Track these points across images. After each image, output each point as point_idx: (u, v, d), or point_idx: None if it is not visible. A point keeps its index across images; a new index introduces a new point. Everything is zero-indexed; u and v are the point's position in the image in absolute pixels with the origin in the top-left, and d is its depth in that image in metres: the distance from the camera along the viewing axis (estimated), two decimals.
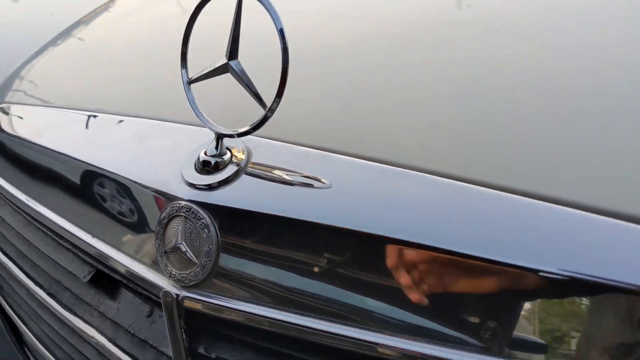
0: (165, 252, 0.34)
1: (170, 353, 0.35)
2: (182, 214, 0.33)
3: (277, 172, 0.33)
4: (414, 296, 0.28)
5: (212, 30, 0.36)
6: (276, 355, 0.33)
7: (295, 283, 0.31)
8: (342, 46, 0.46)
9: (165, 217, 0.33)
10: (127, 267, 0.37)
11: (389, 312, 0.29)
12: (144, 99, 0.45)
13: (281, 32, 0.30)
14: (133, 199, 0.36)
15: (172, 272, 0.33)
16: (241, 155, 0.34)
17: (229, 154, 0.34)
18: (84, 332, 0.43)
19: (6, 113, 0.52)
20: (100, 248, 0.39)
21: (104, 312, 0.42)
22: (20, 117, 0.50)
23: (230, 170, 0.33)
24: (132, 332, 0.39)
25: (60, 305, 0.46)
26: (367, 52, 0.44)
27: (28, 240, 0.48)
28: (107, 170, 0.38)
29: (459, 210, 0.29)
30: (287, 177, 0.32)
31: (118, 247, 0.38)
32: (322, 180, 0.31)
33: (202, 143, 0.35)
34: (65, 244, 0.44)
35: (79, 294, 0.44)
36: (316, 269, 0.31)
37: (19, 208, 0.47)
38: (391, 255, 0.29)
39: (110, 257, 0.38)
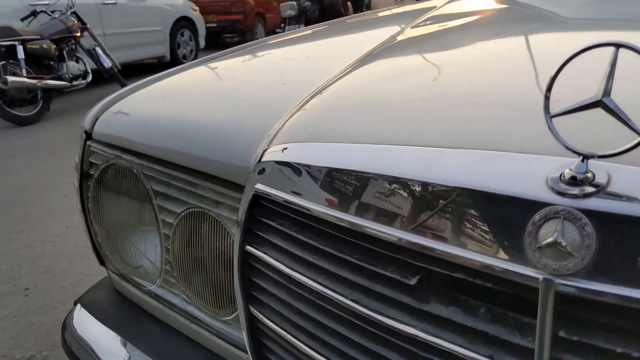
0: (538, 247, 0.41)
1: (527, 344, 0.43)
2: (561, 216, 0.40)
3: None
4: None
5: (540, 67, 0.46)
6: None
7: None
8: None
9: (540, 218, 0.41)
10: (487, 263, 0.44)
11: None
12: (472, 131, 0.54)
13: None
14: (493, 210, 0.45)
15: (547, 264, 0.41)
16: (603, 176, 0.42)
17: (591, 173, 0.42)
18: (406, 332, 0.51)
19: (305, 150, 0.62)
20: (448, 250, 0.47)
21: (430, 311, 0.49)
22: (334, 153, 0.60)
23: (595, 185, 0.41)
24: (475, 327, 0.46)
25: (367, 309, 0.53)
26: None
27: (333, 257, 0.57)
28: (461, 188, 0.47)
29: None
30: None
31: (466, 248, 0.46)
32: None
33: (556, 166, 0.44)
34: (392, 254, 0.52)
35: (394, 297, 0.52)
36: None
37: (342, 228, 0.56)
38: None
39: (461, 257, 0.46)
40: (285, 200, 0.61)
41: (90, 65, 6.13)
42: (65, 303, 2.22)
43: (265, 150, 0.69)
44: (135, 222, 0.90)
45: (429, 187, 0.49)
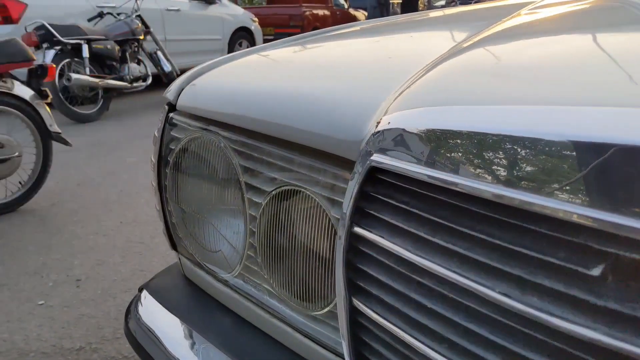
0: None
1: None
2: None
3: None
4: None
5: None
6: None
7: None
8: None
9: None
10: None
11: None
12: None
13: None
14: None
15: None
16: None
17: None
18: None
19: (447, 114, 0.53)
20: None
21: (617, 309, 0.39)
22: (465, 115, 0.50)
23: None
24: None
25: (524, 304, 0.43)
26: None
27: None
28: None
29: None
30: None
31: None
32: None
33: None
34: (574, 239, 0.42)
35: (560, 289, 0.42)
36: None
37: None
38: None
39: None
40: (416, 172, 0.51)
41: (150, 68, 6.22)
42: (116, 297, 2.17)
43: (382, 118, 0.60)
44: (218, 202, 0.82)
45: (612, 149, 0.39)
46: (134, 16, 6.09)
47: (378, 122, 0.61)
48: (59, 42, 5.19)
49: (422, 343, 0.52)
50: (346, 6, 12.53)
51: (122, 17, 6.08)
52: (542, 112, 0.46)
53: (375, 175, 0.58)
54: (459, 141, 0.49)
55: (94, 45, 5.47)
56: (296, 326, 0.75)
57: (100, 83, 5.43)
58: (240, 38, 8.67)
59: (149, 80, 6.08)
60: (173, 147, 0.87)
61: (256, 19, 9.11)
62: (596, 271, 0.40)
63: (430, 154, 0.51)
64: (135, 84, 5.87)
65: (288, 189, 0.71)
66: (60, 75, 5.23)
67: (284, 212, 0.73)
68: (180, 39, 7.48)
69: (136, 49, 6.09)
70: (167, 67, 6.25)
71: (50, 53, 5.16)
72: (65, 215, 3.02)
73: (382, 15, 12.07)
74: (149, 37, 6.31)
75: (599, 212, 0.39)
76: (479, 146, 0.47)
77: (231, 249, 0.81)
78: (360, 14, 13.05)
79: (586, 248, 0.41)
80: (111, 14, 6.06)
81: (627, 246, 0.39)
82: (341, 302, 0.61)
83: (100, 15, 5.98)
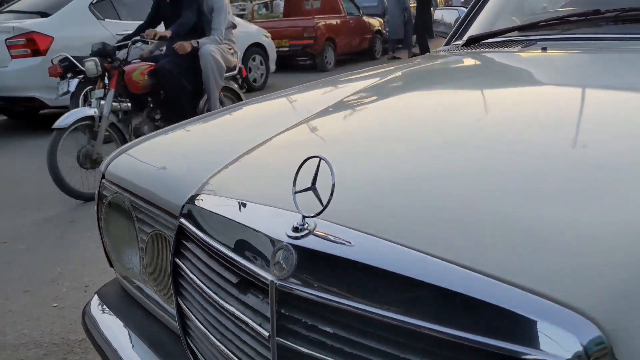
0: (274, 263, 0.77)
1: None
2: (283, 248, 0.76)
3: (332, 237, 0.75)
4: None
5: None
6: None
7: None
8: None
9: (277, 248, 0.77)
10: (252, 272, 0.80)
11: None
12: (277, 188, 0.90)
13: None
14: (258, 241, 0.81)
15: (274, 272, 0.76)
16: (313, 226, 0.77)
17: (307, 224, 0.77)
18: (231, 312, 0.87)
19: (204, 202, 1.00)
20: (243, 263, 0.83)
21: (241, 299, 0.85)
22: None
23: (309, 230, 0.76)
24: (256, 308, 0.82)
25: (219, 298, 0.90)
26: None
27: (211, 269, 0.94)
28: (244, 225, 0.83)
29: None
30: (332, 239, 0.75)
31: (252, 262, 0.82)
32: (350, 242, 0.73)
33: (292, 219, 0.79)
34: (230, 266, 0.89)
35: (230, 291, 0.88)
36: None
37: (214, 253, 0.93)
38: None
39: (247, 268, 0.82)
40: (196, 235, 0.98)
41: None
42: None
43: (193, 195, 1.07)
44: (126, 237, 1.31)
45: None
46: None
47: (191, 197, 1.08)
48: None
49: (204, 326, 0.99)
50: (360, 14, 12.91)
51: (139, 45, 6.64)
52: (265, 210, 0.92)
53: (183, 230, 1.05)
54: (216, 221, 0.96)
55: None
56: (173, 314, 1.22)
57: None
58: (254, 53, 9.20)
59: None
60: (104, 201, 1.37)
61: (269, 35, 9.63)
62: (236, 280, 0.86)
63: (207, 225, 0.98)
64: None
65: (157, 233, 1.19)
66: (84, 100, 5.82)
67: (156, 247, 1.20)
68: None
69: None
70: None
71: (74, 82, 5.75)
72: (81, 231, 3.56)
73: (405, 20, 12.36)
74: None
75: (245, 261, 0.86)
76: (228, 228, 0.94)
77: (135, 267, 1.30)
78: (376, 21, 13.41)
79: (241, 276, 0.88)
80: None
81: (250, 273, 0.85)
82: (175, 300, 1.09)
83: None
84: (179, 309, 1.07)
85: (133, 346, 1.26)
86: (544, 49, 1.58)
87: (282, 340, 0.77)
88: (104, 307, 1.40)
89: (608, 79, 1.36)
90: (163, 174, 1.21)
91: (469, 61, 1.82)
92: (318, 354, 0.73)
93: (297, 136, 1.23)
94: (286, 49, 11.16)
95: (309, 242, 0.76)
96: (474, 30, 2.08)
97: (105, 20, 7.17)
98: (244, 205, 0.91)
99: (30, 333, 2.46)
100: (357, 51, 12.79)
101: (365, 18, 13.05)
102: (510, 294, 0.61)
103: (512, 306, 0.61)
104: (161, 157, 1.31)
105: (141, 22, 7.11)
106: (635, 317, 0.58)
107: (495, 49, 1.81)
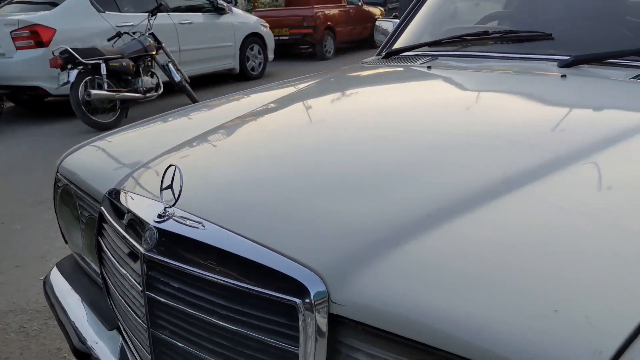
0: (144, 239, 1.09)
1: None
2: (149, 229, 1.08)
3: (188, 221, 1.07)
4: None
5: None
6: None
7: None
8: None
9: (146, 229, 1.09)
10: (133, 246, 1.12)
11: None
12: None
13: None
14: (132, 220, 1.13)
15: (144, 246, 1.09)
16: (173, 211, 1.09)
17: (168, 212, 1.09)
18: (124, 275, 1.20)
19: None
20: (128, 239, 1.16)
21: (131, 266, 1.18)
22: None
23: (169, 216, 1.08)
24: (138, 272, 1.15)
25: (120, 265, 1.23)
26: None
27: (116, 244, 1.27)
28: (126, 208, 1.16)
29: None
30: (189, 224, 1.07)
31: (133, 238, 1.14)
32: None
33: (159, 207, 1.11)
34: (124, 242, 1.21)
35: (125, 260, 1.21)
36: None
37: (117, 233, 1.26)
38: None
39: (130, 242, 1.14)
40: (108, 219, 1.31)
41: (163, 79, 7.12)
42: None
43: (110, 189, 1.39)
44: (73, 221, 1.64)
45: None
46: (147, 34, 6.99)
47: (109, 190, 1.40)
48: (80, 63, 6.14)
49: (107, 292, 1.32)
50: (360, 3, 13.13)
51: (137, 35, 6.98)
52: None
53: (102, 215, 1.37)
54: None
55: (110, 64, 6.40)
56: None
57: (116, 96, 6.38)
58: (252, 43, 9.50)
59: (160, 91, 6.99)
60: (58, 190, 1.70)
61: (267, 25, 9.91)
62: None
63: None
64: (148, 95, 6.80)
65: (91, 217, 1.52)
66: (84, 89, 6.18)
67: (91, 227, 1.54)
68: (193, 48, 8.38)
69: (149, 63, 7.00)
70: (177, 77, 7.14)
71: (74, 73, 6.13)
72: None
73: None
74: (161, 51, 7.20)
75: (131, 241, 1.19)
76: (123, 213, 1.27)
77: (80, 244, 1.63)
78: (377, 10, 13.62)
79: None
80: (128, 33, 6.97)
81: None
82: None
83: (118, 35, 6.89)
84: (102, 275, 1.41)
85: (78, 306, 1.60)
86: (429, 67, 1.88)
87: (149, 293, 1.09)
88: (60, 275, 1.74)
89: (485, 89, 1.67)
90: (98, 171, 1.54)
91: (370, 74, 2.14)
92: (170, 302, 1.06)
93: (185, 147, 1.53)
94: (286, 37, 11.44)
95: (168, 225, 1.08)
96: (400, 43, 2.38)
97: (106, 12, 7.51)
98: (132, 197, 1.23)
99: (18, 302, 2.82)
100: (357, 40, 13.02)
101: (366, 7, 13.26)
102: (276, 259, 0.93)
103: (276, 266, 0.92)
104: (99, 158, 1.64)
105: (142, 13, 7.48)
106: (347, 274, 0.90)
107: (405, 62, 2.11)
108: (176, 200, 1.08)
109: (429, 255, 0.89)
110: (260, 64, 9.78)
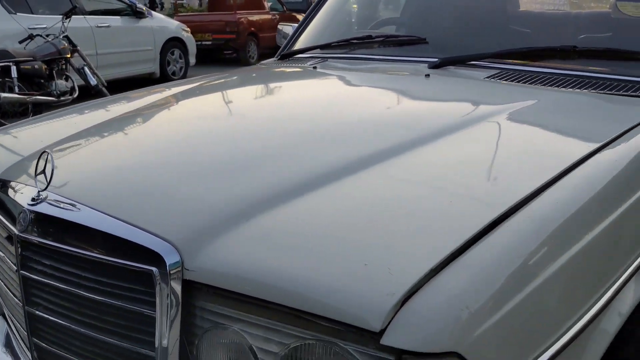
0: (18, 221, 1.16)
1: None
2: (23, 212, 1.15)
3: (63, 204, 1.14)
4: None
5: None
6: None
7: None
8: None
9: (20, 211, 1.16)
10: (8, 227, 1.18)
11: None
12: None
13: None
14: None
15: (18, 228, 1.15)
16: (46, 195, 1.16)
17: (41, 195, 1.16)
18: (1, 258, 1.25)
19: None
20: (5, 222, 1.22)
21: (7, 248, 1.24)
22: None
23: (42, 199, 1.15)
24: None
25: (1, 251, 1.29)
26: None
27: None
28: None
29: None
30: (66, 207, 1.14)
31: (9, 221, 1.21)
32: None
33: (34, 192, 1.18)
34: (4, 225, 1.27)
35: (3, 243, 1.27)
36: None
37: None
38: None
39: (7, 225, 1.20)
40: None
41: (79, 82, 6.99)
42: None
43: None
44: None
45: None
46: (61, 37, 6.85)
47: None
48: None
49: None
50: (284, 9, 13.30)
51: (50, 38, 6.82)
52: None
53: None
54: None
55: (22, 66, 6.24)
56: None
57: (28, 99, 6.23)
58: (173, 47, 9.46)
59: (75, 94, 6.85)
60: None
61: (188, 29, 9.90)
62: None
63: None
64: (62, 98, 6.65)
65: None
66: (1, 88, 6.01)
67: None
68: (111, 52, 8.26)
69: (64, 67, 6.86)
70: (94, 81, 7.02)
71: None
72: None
73: None
74: (77, 55, 7.07)
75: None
76: (4, 200, 1.32)
77: None
78: (301, 16, 13.81)
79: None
80: (41, 35, 6.80)
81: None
82: None
83: (31, 37, 6.72)
84: None
85: None
86: (315, 67, 2.03)
87: (23, 272, 1.16)
88: None
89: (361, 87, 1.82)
90: None
91: (262, 73, 2.27)
92: (43, 279, 1.13)
93: (75, 138, 1.60)
94: (209, 42, 11.44)
95: (40, 208, 1.15)
96: (297, 46, 2.51)
97: (18, 14, 7.30)
98: (12, 184, 1.30)
99: None
100: None
101: (290, 13, 13.44)
102: (136, 233, 1.03)
103: (135, 239, 1.02)
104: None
105: (56, 16, 7.31)
106: (201, 244, 1.00)
107: (296, 63, 2.25)
108: (48, 184, 1.15)
109: (272, 226, 1.02)
110: (181, 68, 9.74)
